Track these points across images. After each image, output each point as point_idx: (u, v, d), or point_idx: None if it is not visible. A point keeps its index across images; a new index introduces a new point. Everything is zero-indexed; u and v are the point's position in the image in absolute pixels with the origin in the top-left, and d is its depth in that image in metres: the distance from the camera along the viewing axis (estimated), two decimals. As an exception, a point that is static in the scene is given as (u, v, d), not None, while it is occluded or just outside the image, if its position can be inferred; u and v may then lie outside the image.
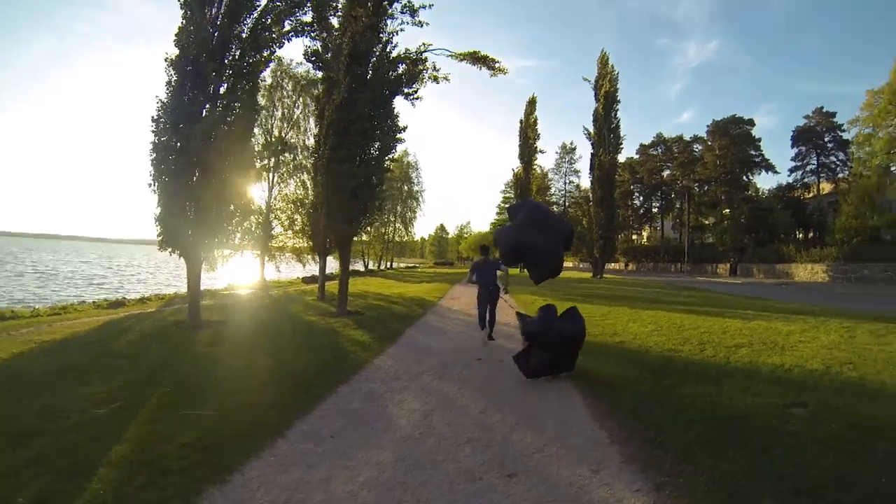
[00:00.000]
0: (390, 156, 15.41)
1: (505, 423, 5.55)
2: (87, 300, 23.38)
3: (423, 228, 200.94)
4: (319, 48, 15.59)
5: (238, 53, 12.45)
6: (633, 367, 7.96)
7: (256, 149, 25.40)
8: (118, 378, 6.83)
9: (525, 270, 9.04)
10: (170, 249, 11.89)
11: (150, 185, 11.65)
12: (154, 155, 11.58)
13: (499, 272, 10.78)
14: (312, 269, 31.47)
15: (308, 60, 15.29)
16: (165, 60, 11.77)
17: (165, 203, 11.60)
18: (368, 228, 62.49)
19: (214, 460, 4.34)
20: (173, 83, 11.78)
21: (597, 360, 8.71)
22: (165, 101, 11.75)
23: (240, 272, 29.18)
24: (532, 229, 8.02)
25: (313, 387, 6.78)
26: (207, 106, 12.02)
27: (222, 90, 12.29)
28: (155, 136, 11.63)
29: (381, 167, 15.26)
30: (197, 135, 11.37)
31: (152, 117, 11.70)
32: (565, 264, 64.30)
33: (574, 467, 4.40)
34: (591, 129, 46.43)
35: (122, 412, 5.45)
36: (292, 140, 29.58)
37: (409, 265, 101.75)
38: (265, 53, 13.02)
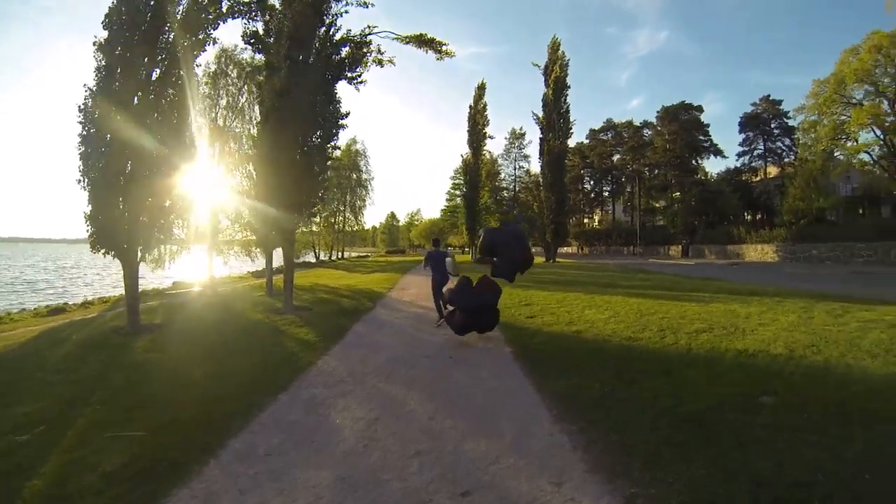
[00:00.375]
0: (333, 143, 14.67)
1: (456, 429, 5.03)
2: (29, 307, 22.45)
3: (373, 217, 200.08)
4: (259, 30, 14.73)
5: (172, 36, 11.63)
6: (592, 359, 7.54)
7: (198, 138, 24.55)
8: (48, 396, 6.34)
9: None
10: (103, 250, 11.06)
11: (78, 180, 10.83)
12: (83, 148, 10.76)
13: (448, 259, 11.92)
14: (262, 263, 30.63)
15: (247, 43, 14.40)
16: (94, 44, 10.92)
17: (96, 200, 10.78)
18: (316, 219, 62.39)
19: (137, 492, 3.87)
20: (102, 69, 10.92)
21: (553, 352, 8.30)
22: (94, 88, 10.88)
23: (190, 269, 28.24)
24: (513, 239, 10.56)
25: (251, 396, 6.22)
26: (140, 94, 11.15)
27: (155, 76, 11.43)
28: (83, 126, 10.79)
29: (324, 155, 14.59)
30: (128, 124, 10.64)
31: (79, 106, 10.82)
32: None
33: (534, 480, 3.93)
34: (541, 115, 46.13)
35: (47, 437, 5.01)
36: (237, 129, 28.62)
37: (361, 254, 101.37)
38: (201, 36, 12.26)
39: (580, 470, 4.07)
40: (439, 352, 8.81)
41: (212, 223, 25.57)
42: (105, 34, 10.94)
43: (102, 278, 46.16)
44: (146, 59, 11.11)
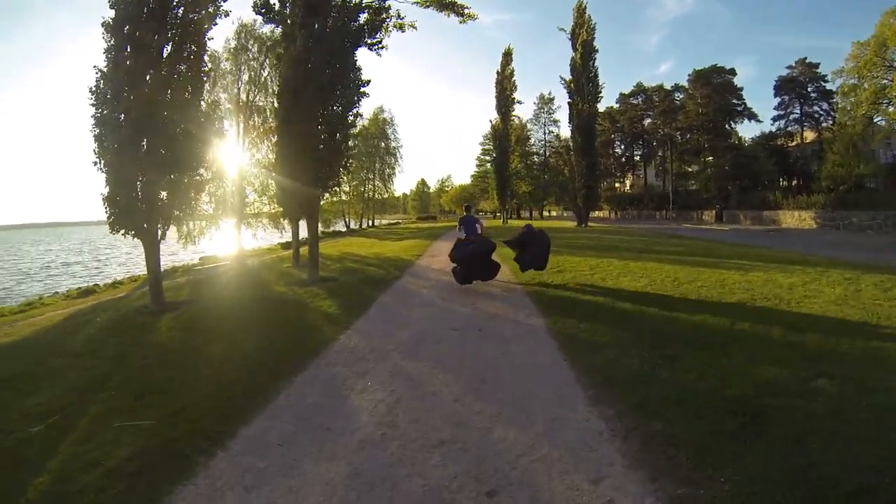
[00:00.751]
0: (354, 111, 14.16)
1: (483, 414, 4.64)
2: (63, 290, 22.71)
3: (404, 184, 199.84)
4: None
5: (181, 11, 11.26)
6: (628, 333, 7.06)
7: (221, 113, 24.51)
8: (64, 383, 6.17)
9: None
10: (122, 231, 10.92)
11: (94, 162, 10.67)
12: (97, 130, 10.59)
13: (477, 224, 12.62)
14: (291, 234, 30.61)
15: (257, 13, 13.77)
16: (102, 25, 10.64)
17: (113, 181, 10.60)
18: (345, 188, 62.34)
19: (139, 489, 3.61)
20: (112, 49, 10.67)
21: (588, 321, 7.86)
22: (105, 69, 10.65)
23: (220, 243, 28.35)
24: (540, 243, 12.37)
25: (268, 378, 5.92)
26: (152, 72, 10.83)
27: (166, 52, 11.09)
28: (96, 108, 10.62)
29: (346, 124, 14.12)
30: (140, 103, 10.37)
31: (90, 89, 10.65)
32: (548, 213, 64.17)
33: (568, 476, 3.53)
34: (569, 79, 45.03)
35: (57, 428, 4.81)
36: (261, 103, 28.46)
37: (392, 222, 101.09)
38: (211, 9, 11.80)
39: (619, 465, 3.66)
40: (467, 324, 8.36)
41: (239, 197, 25.49)
42: (112, 13, 10.66)
43: (134, 257, 46.71)
44: (156, 36, 10.77)
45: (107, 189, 10.64)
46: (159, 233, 11.31)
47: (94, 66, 10.62)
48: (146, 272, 12.14)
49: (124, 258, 46.72)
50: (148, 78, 10.73)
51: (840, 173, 39.68)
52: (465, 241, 11.89)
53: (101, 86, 10.59)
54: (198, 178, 11.88)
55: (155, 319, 9.95)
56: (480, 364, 6.18)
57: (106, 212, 10.77)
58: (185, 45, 11.27)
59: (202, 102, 11.76)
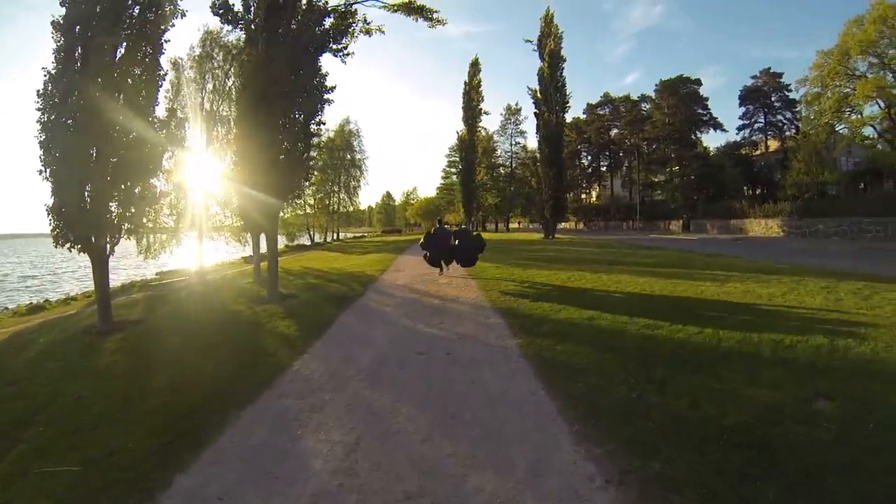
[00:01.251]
0: (317, 118, 13.52)
1: (455, 458, 4.02)
2: (12, 305, 21.73)
3: (369, 197, 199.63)
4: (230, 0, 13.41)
5: (137, 10, 10.56)
6: (610, 354, 6.51)
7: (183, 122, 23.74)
8: None
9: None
10: (68, 244, 10.10)
11: (40, 171, 9.88)
12: (43, 136, 9.81)
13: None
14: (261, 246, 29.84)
15: (215, 13, 12.99)
16: (52, 24, 9.93)
17: (58, 190, 9.84)
18: (310, 201, 61.53)
19: None
20: (61, 49, 9.95)
21: (564, 342, 7.28)
22: (53, 71, 9.91)
23: (183, 256, 27.46)
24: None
25: (213, 411, 5.26)
26: (103, 74, 10.08)
27: (119, 55, 10.37)
28: (42, 112, 9.84)
29: (309, 132, 13.45)
30: (89, 106, 9.65)
31: (38, 91, 9.87)
32: (514, 225, 65.79)
33: (557, 538, 2.96)
34: (537, 89, 44.87)
35: None
36: (224, 113, 27.70)
37: (357, 235, 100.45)
38: (168, 9, 11.15)
39: (617, 521, 3.10)
40: (434, 346, 7.67)
41: (201, 210, 24.72)
42: (63, 11, 9.97)
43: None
44: (109, 37, 10.05)
45: (52, 199, 9.90)
46: (108, 247, 10.56)
47: (42, 68, 9.94)
48: (117, 284, 11.36)
49: (83, 272, 45.23)
50: (99, 80, 9.99)
51: (804, 181, 40.27)
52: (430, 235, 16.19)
53: (49, 88, 9.85)
54: (152, 188, 11.12)
55: (101, 341, 9.23)
56: (449, 394, 5.54)
57: (50, 224, 10.00)
58: (140, 46, 10.60)
59: (156, 108, 11.00)
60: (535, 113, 45.54)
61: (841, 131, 42.72)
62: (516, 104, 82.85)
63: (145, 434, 4.76)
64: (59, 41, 9.92)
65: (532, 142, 72.55)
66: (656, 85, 68.19)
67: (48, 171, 9.77)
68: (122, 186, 10.32)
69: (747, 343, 6.73)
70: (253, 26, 13.02)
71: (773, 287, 11.13)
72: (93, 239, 10.18)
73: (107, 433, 4.82)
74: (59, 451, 4.49)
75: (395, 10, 15.32)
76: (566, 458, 3.94)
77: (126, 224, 10.70)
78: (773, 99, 62.52)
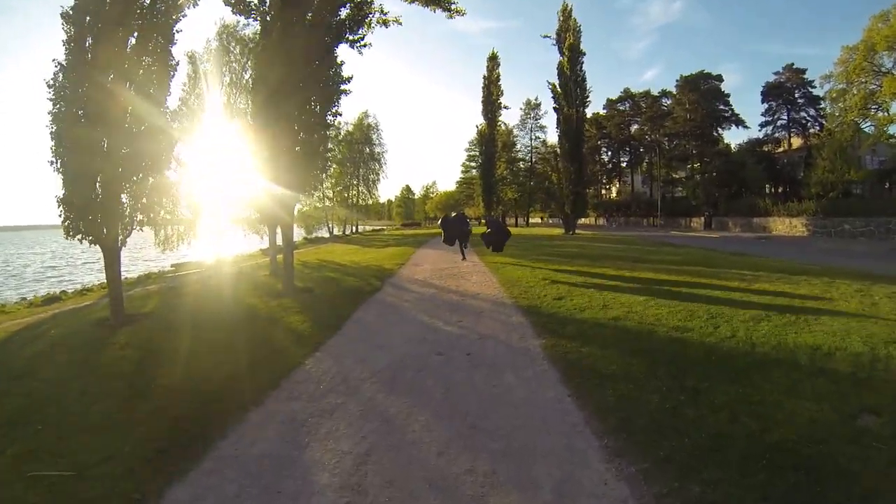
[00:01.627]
0: (333, 110, 13.22)
1: (474, 474, 3.68)
2: (31, 297, 21.75)
3: (388, 191, 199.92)
4: None
5: (149, 1, 10.39)
6: (639, 359, 6.14)
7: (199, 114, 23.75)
8: None
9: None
10: (79, 236, 10.00)
11: (51, 162, 9.76)
12: (54, 127, 9.67)
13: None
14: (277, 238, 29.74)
15: (226, 3, 12.78)
16: (62, 15, 9.80)
17: (69, 181, 9.71)
18: (329, 193, 61.51)
19: None
20: (71, 40, 9.80)
21: (590, 344, 6.91)
22: (64, 62, 9.77)
23: (203, 248, 27.44)
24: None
25: (217, 413, 5.02)
26: (114, 65, 9.92)
27: (130, 44, 10.19)
28: (53, 103, 9.71)
29: (324, 124, 13.17)
30: (100, 97, 9.51)
31: (47, 83, 9.74)
32: (535, 220, 66.15)
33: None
34: (556, 84, 44.18)
35: None
36: (241, 106, 27.61)
37: (376, 228, 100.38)
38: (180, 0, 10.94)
39: (657, 555, 2.76)
40: (454, 346, 7.32)
41: (219, 201, 24.63)
42: (72, 2, 9.83)
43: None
44: (119, 27, 9.88)
45: (62, 191, 9.77)
46: (120, 239, 10.43)
47: (53, 59, 9.77)
48: (129, 276, 11.26)
49: (101, 263, 45.23)
50: (109, 71, 9.83)
51: (830, 179, 39.42)
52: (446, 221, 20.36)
53: (61, 79, 9.72)
54: (164, 180, 10.97)
55: (111, 334, 9.06)
56: (470, 401, 5.19)
57: (60, 215, 9.89)
58: (152, 36, 10.40)
59: (168, 99, 10.78)
60: (554, 108, 44.78)
61: (866, 129, 41.69)
62: (536, 99, 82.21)
63: (144, 437, 4.54)
64: (69, 32, 9.79)
65: (552, 137, 72.12)
66: (677, 80, 67.22)
67: (59, 162, 9.65)
68: (134, 178, 10.19)
69: (783, 349, 6.35)
70: (269, 17, 12.75)
71: (803, 288, 10.67)
72: (104, 231, 10.05)
73: (105, 436, 4.61)
74: (55, 452, 4.30)
75: (413, 1, 14.93)
76: (596, 477, 3.59)
77: (139, 216, 10.56)
78: (796, 95, 61.36)
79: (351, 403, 5.22)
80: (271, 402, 5.32)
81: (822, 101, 52.49)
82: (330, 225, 65.62)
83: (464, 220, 20.64)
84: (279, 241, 17.73)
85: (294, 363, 6.68)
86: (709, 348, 6.47)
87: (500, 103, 57.36)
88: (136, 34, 10.22)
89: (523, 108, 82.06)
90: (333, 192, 64.45)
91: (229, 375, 6.21)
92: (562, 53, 43.68)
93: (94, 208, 9.83)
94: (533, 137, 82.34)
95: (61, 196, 9.75)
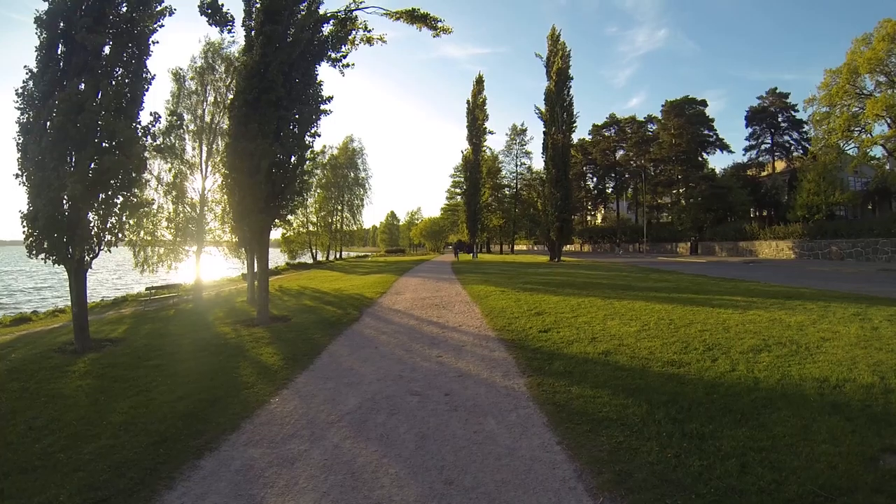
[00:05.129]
0: (312, 130, 12.68)
1: (451, 544, 3.15)
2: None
3: (373, 216, 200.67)
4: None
5: (125, 7, 10.16)
6: (633, 399, 5.58)
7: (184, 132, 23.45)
8: None
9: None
10: (42, 255, 9.62)
11: (16, 175, 9.54)
12: (21, 138, 9.44)
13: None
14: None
15: (203, 13, 12.20)
16: (35, 20, 9.55)
17: (34, 197, 9.35)
18: (312, 218, 61.29)
19: None
20: (43, 46, 9.57)
21: (580, 383, 6.34)
22: (35, 69, 9.54)
23: (182, 271, 26.79)
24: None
25: (166, 459, 4.51)
26: (86, 74, 9.64)
27: (104, 54, 9.90)
28: (21, 113, 9.50)
29: (303, 144, 12.60)
30: (67, 106, 9.05)
31: (17, 91, 9.52)
32: (520, 247, 71.45)
33: None
34: (543, 108, 44.45)
35: None
36: (224, 126, 27.15)
37: (360, 254, 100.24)
38: (157, 8, 10.62)
39: None
40: (431, 385, 6.72)
41: (199, 224, 24.08)
42: (45, 6, 9.64)
43: (110, 279, 44.85)
44: (93, 34, 9.50)
45: (27, 206, 9.46)
46: (86, 260, 10.04)
47: (25, 66, 9.57)
48: (106, 297, 10.80)
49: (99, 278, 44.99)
50: (81, 81, 9.52)
51: (815, 201, 39.96)
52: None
53: (30, 87, 9.51)
54: (135, 198, 10.53)
55: (72, 361, 8.67)
56: (447, 450, 4.59)
57: (24, 232, 9.54)
58: (126, 46, 10.16)
59: (140, 112, 10.35)
60: (543, 132, 44.93)
61: (849, 151, 42.54)
62: (522, 124, 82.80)
63: (84, 483, 4.09)
64: (41, 37, 9.59)
65: (537, 163, 72.31)
66: (663, 105, 68.20)
67: (24, 174, 9.45)
68: (102, 195, 9.83)
69: (788, 383, 5.91)
70: (253, 32, 12.38)
71: (799, 315, 10.29)
72: (69, 250, 9.65)
73: (40, 481, 4.20)
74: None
75: (398, 18, 14.62)
76: (593, 549, 3.06)
77: (107, 235, 10.19)
78: (779, 119, 62.38)
79: (315, 451, 4.63)
80: (228, 448, 4.76)
81: (805, 125, 54.30)
82: (313, 250, 65.14)
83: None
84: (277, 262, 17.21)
85: (258, 402, 6.12)
86: (709, 385, 5.96)
87: (486, 128, 57.55)
88: (110, 42, 10.00)
89: (509, 133, 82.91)
90: (317, 217, 63.99)
91: (187, 413, 5.68)
92: (549, 78, 44.13)
93: (59, 226, 9.45)
94: (518, 163, 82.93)
95: (25, 211, 9.46)
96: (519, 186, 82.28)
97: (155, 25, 10.61)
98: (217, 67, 26.16)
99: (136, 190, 10.55)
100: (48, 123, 9.30)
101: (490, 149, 73.42)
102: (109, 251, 10.58)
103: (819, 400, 5.30)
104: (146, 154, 10.89)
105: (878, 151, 41.77)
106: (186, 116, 24.17)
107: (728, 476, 3.75)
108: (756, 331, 8.89)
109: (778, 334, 8.53)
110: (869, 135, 40.06)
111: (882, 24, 36.35)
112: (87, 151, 9.33)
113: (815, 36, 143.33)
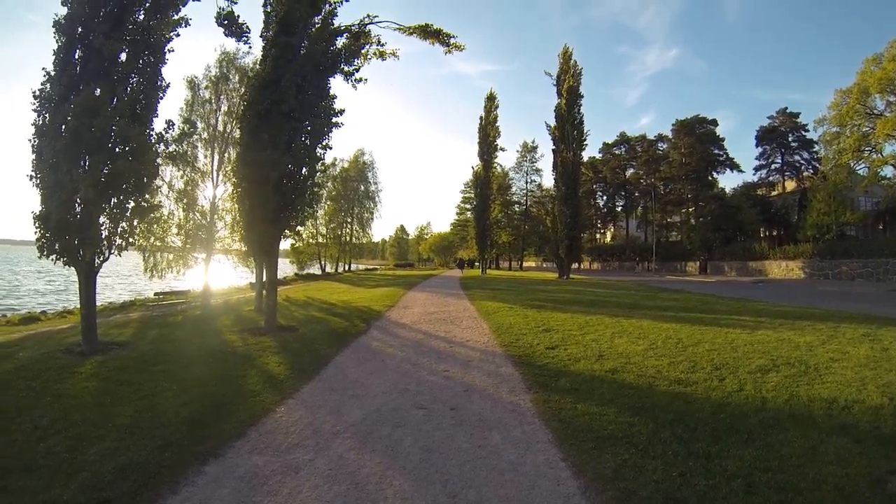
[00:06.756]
0: (323, 142, 12.78)
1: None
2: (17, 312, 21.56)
3: (383, 230, 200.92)
4: (233, 9, 12.47)
5: (142, 15, 10.31)
6: (639, 417, 5.56)
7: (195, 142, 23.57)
8: None
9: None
10: (53, 256, 9.71)
11: (30, 176, 9.65)
12: (36, 140, 9.56)
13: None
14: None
15: (219, 25, 12.33)
16: (54, 24, 9.70)
17: (47, 198, 9.48)
18: (322, 230, 61.67)
19: None
20: (61, 50, 9.70)
21: (585, 400, 6.32)
22: (52, 72, 9.68)
23: (191, 278, 27.00)
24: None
25: (174, 463, 4.53)
26: (102, 79, 9.81)
27: (120, 60, 10.01)
28: (38, 115, 9.62)
29: (314, 156, 12.69)
30: (82, 110, 9.22)
31: (34, 93, 9.64)
32: (529, 264, 72.24)
33: None
34: (554, 126, 44.39)
35: None
36: (237, 135, 27.29)
37: (369, 267, 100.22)
38: (174, 17, 10.78)
39: None
40: (437, 399, 6.71)
41: (209, 231, 24.15)
42: (64, 10, 9.81)
43: (123, 282, 44.90)
44: (110, 41, 9.64)
45: (40, 207, 9.61)
46: (96, 262, 10.10)
47: (42, 69, 9.77)
48: (118, 300, 10.86)
49: (111, 281, 45.69)
50: (97, 86, 9.71)
51: (826, 221, 39.85)
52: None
53: (48, 89, 9.63)
54: (147, 203, 10.63)
55: (79, 362, 8.74)
56: (451, 465, 4.57)
57: (36, 232, 9.66)
58: (142, 53, 10.28)
59: (154, 119, 10.45)
60: (552, 150, 44.96)
61: (860, 171, 42.27)
62: (532, 142, 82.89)
63: (87, 485, 4.10)
64: (59, 41, 9.73)
65: (547, 180, 72.37)
66: (673, 124, 68.22)
67: (38, 176, 9.57)
68: (114, 199, 9.94)
69: (796, 404, 5.89)
70: (265, 41, 12.57)
71: (808, 335, 10.26)
72: (80, 252, 9.78)
73: (43, 481, 4.20)
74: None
75: (411, 34, 14.74)
76: (598, 568, 3.04)
77: (117, 239, 10.29)
78: (790, 139, 62.27)
79: (320, 461, 4.64)
80: (233, 454, 4.78)
81: (815, 145, 54.11)
82: (322, 262, 65.23)
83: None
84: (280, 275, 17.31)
85: (264, 410, 6.14)
86: (716, 405, 5.93)
87: (497, 145, 57.43)
88: (126, 49, 10.10)
89: (520, 150, 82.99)
90: (327, 229, 64.12)
91: (192, 419, 5.70)
92: (560, 96, 44.08)
93: (70, 228, 9.58)
94: (529, 180, 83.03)
95: (38, 212, 9.59)
96: (529, 203, 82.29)
97: (171, 34, 10.75)
98: (231, 77, 26.35)
99: (147, 195, 10.65)
100: (63, 126, 9.39)
101: (501, 165, 73.41)
102: (119, 255, 10.68)
103: (827, 421, 5.28)
104: (159, 160, 10.93)
105: (888, 171, 41.64)
106: (199, 124, 24.14)
107: (734, 496, 3.73)
108: (764, 350, 8.88)
109: (786, 354, 8.52)
110: (880, 154, 39.91)
111: (893, 44, 36.26)
112: (100, 155, 9.42)
113: (823, 59, 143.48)
